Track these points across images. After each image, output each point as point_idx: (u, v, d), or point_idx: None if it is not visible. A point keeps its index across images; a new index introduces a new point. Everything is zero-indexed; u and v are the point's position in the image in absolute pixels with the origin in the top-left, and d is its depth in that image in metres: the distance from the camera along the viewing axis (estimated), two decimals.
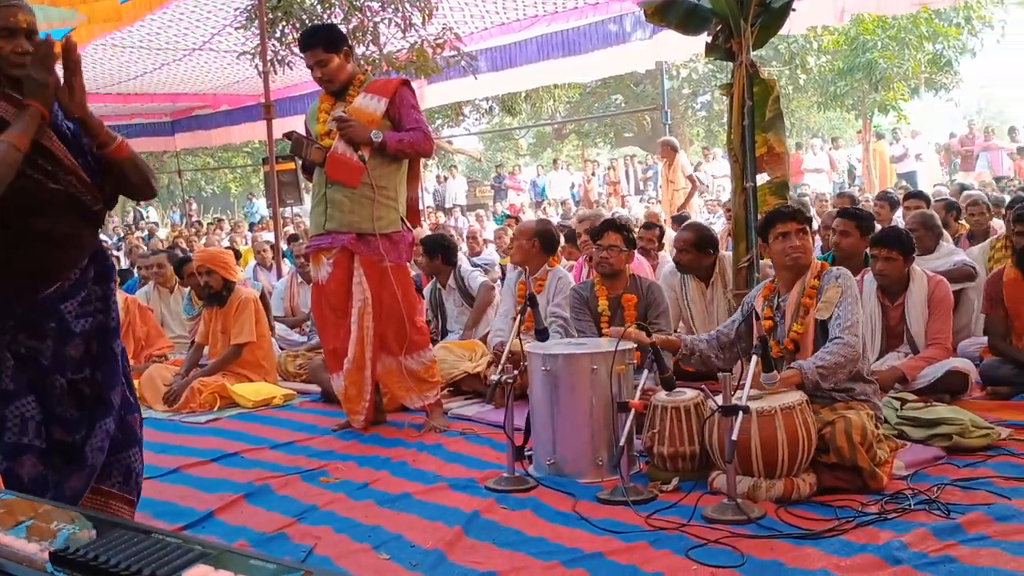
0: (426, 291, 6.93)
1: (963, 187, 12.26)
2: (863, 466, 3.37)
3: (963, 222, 7.91)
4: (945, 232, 6.58)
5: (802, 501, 3.34)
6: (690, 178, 13.55)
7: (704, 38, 5.60)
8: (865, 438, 3.38)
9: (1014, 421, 4.23)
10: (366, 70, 9.23)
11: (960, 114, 26.01)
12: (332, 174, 4.61)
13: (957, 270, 5.66)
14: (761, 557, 2.87)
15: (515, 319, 4.30)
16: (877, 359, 4.90)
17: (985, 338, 5.18)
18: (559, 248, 7.47)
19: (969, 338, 5.46)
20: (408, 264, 4.92)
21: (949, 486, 3.40)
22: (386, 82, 4.81)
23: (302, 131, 4.81)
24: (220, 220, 20.99)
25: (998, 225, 7.32)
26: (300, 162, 4.95)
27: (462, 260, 8.49)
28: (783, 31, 6.31)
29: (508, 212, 17.68)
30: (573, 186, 20.89)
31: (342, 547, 3.22)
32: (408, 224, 4.82)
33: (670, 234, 8.99)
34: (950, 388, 4.66)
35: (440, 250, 6.64)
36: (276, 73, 9.93)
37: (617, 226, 5.05)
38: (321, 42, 4.63)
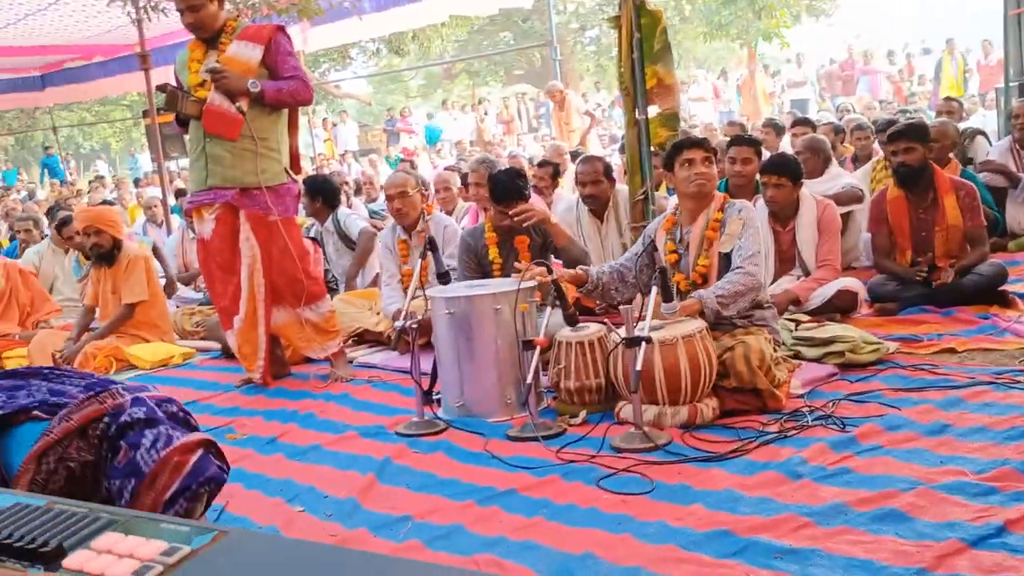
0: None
1: (850, 110, 12.63)
2: (762, 388, 3.47)
3: (848, 145, 8.16)
4: (832, 156, 6.76)
5: (706, 425, 3.43)
6: (588, 113, 13.62)
7: None
8: (763, 361, 3.48)
9: (901, 335, 4.41)
10: (244, 14, 8.90)
11: (841, 39, 26.61)
12: (210, 127, 4.42)
13: (845, 193, 5.83)
14: (669, 482, 2.94)
15: (410, 270, 4.18)
16: (772, 283, 5.03)
17: None
18: (457, 190, 7.42)
19: (857, 260, 5.64)
20: (296, 216, 4.79)
21: (843, 401, 3.55)
22: (259, 28, 4.62)
23: (173, 82, 4.62)
24: (101, 178, 20.08)
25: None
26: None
27: (358, 205, 8.33)
28: None
29: (402, 156, 17.45)
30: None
31: (255, 503, 3.17)
32: (292, 175, 4.69)
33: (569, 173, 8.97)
34: (841, 307, 4.83)
35: (320, 192, 6.41)
36: (150, 20, 9.48)
37: (519, 191, 4.61)
38: None
